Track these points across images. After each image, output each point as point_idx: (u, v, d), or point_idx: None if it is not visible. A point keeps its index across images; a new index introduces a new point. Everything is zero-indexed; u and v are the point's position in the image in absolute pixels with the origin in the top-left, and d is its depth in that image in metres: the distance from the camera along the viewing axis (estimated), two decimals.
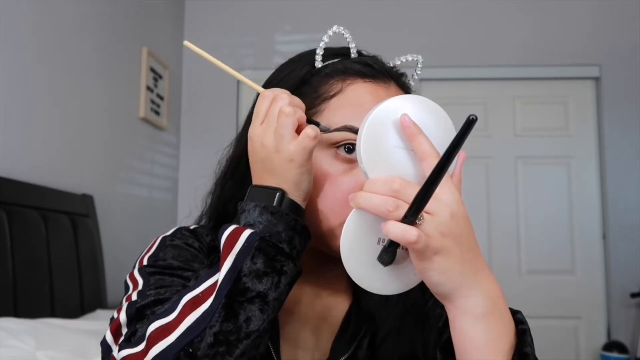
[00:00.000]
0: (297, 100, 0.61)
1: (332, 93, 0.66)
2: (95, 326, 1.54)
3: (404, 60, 0.71)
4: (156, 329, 0.54)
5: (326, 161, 0.64)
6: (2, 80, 1.66)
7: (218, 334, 0.53)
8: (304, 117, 0.61)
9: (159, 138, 2.91)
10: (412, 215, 0.51)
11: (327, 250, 0.66)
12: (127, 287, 0.65)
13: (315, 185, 0.64)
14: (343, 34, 0.69)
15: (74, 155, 2.08)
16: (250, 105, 0.73)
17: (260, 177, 0.61)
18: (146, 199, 2.77)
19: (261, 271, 0.55)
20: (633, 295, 2.86)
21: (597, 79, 3.13)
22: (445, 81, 3.14)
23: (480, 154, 3.12)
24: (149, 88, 2.70)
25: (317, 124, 0.63)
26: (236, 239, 0.56)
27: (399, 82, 0.70)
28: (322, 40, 0.69)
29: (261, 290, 0.55)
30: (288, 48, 3.16)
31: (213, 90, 3.19)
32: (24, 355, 1.20)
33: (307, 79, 0.68)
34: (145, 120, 2.67)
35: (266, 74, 0.73)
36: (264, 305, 0.55)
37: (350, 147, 0.64)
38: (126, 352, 0.55)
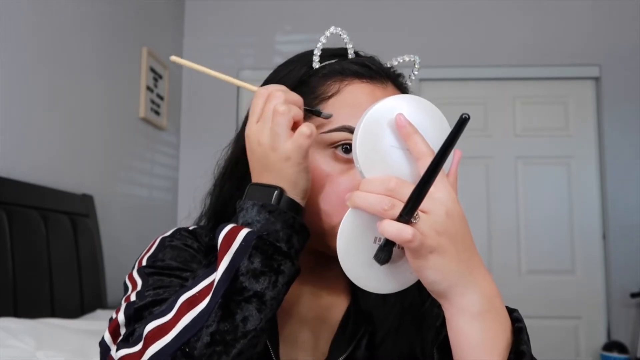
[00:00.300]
0: (293, 97, 0.61)
1: (329, 94, 0.67)
2: (95, 326, 1.54)
3: (402, 60, 0.71)
4: (153, 329, 0.54)
5: (324, 161, 0.65)
6: (2, 80, 1.66)
7: (215, 334, 0.53)
8: (300, 114, 0.61)
9: (159, 138, 2.91)
10: (407, 214, 0.51)
11: (325, 250, 0.66)
12: (126, 288, 0.65)
13: (313, 185, 0.64)
14: (340, 35, 0.69)
15: (74, 155, 2.08)
16: (249, 105, 0.73)
17: (258, 175, 0.61)
18: (146, 199, 2.77)
19: (258, 270, 0.55)
20: (633, 295, 2.86)
21: (597, 79, 3.13)
22: (445, 81, 3.14)
23: (480, 154, 3.12)
24: (149, 88, 2.70)
25: (318, 112, 0.64)
26: (233, 238, 0.56)
27: (396, 82, 0.71)
28: (319, 41, 0.69)
29: (258, 289, 0.55)
30: (288, 48, 3.16)
31: (213, 90, 3.19)
32: (24, 355, 1.20)
33: (304, 80, 0.68)
34: (145, 120, 2.67)
35: (266, 74, 0.73)
36: (261, 304, 0.55)
37: (348, 147, 0.64)
38: (124, 352, 0.56)
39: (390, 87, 0.69)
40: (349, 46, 0.70)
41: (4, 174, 1.64)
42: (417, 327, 0.72)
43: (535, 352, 0.58)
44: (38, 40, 1.86)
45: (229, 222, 0.59)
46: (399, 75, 0.72)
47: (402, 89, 0.71)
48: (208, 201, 0.75)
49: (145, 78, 2.65)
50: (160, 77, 2.86)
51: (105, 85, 2.33)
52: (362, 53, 0.72)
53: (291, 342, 0.71)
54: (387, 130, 0.57)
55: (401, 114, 0.57)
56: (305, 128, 0.59)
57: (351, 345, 0.70)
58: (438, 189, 0.53)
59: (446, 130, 0.58)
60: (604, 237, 3.05)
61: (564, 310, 3.04)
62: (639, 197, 2.99)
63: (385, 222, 0.52)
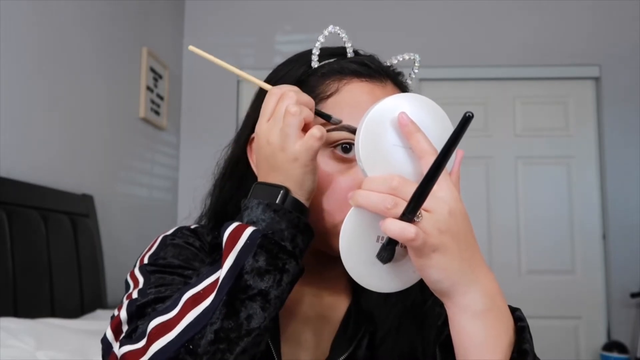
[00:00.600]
0: (305, 98, 0.62)
1: (328, 93, 0.66)
2: (95, 326, 1.54)
3: (401, 59, 0.71)
4: (157, 326, 0.54)
5: (323, 160, 0.65)
6: (2, 80, 1.66)
7: (219, 331, 0.53)
8: (311, 116, 0.61)
9: (159, 138, 2.91)
10: (410, 213, 0.51)
11: (326, 249, 0.66)
12: (127, 286, 0.65)
13: None
14: (339, 34, 0.69)
15: (74, 155, 2.08)
16: (249, 105, 0.73)
17: (265, 174, 0.61)
18: (146, 199, 2.77)
19: (263, 269, 0.55)
20: (633, 295, 2.86)
21: (597, 79, 3.13)
22: (445, 81, 3.14)
23: (480, 154, 3.12)
24: (149, 88, 2.70)
25: (328, 117, 0.63)
26: (238, 237, 0.56)
27: (395, 81, 0.70)
28: (318, 40, 0.69)
29: (263, 288, 0.55)
30: (288, 48, 3.16)
31: (213, 90, 3.19)
32: (24, 355, 1.20)
33: (303, 80, 0.68)
34: (145, 120, 2.67)
35: (266, 74, 0.73)
36: (265, 303, 0.55)
37: (347, 147, 0.64)
38: (127, 348, 0.55)
39: (389, 86, 0.69)
40: (348, 45, 0.70)
41: (4, 174, 1.64)
42: (419, 326, 0.72)
43: (534, 349, 0.58)
44: (38, 40, 1.86)
45: (233, 220, 0.59)
46: (399, 73, 0.72)
47: (402, 87, 0.71)
48: (208, 201, 0.75)
49: (145, 78, 2.65)
50: (160, 77, 2.86)
51: (105, 85, 2.33)
52: (361, 52, 0.72)
53: (293, 341, 0.71)
54: (390, 128, 0.57)
55: (404, 113, 0.57)
56: (317, 130, 0.59)
57: (352, 345, 0.70)
58: (441, 188, 0.53)
59: (448, 128, 0.58)
60: (604, 237, 3.05)
61: (564, 310, 3.04)
62: (639, 197, 2.99)
63: (388, 220, 0.52)
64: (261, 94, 0.71)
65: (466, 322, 0.55)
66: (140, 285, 0.62)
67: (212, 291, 0.54)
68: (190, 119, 3.22)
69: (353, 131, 0.62)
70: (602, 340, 2.97)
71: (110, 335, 0.61)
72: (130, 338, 0.57)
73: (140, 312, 0.59)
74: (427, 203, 0.52)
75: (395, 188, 0.53)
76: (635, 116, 3.03)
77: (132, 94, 2.59)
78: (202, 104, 3.21)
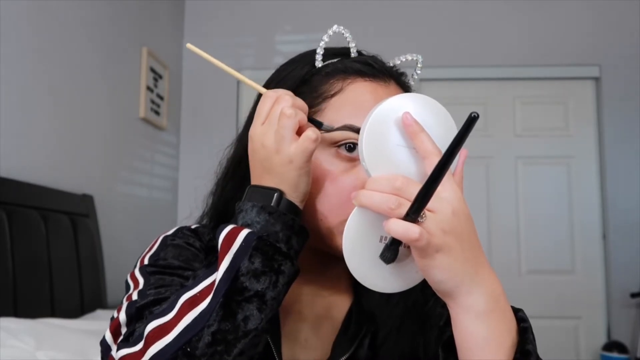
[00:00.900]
0: (299, 102, 0.62)
1: (332, 92, 0.66)
2: (95, 326, 1.54)
3: (404, 59, 0.71)
4: (154, 328, 0.54)
5: (327, 160, 0.65)
6: (2, 80, 1.66)
7: (216, 333, 0.53)
8: (305, 119, 0.61)
9: (159, 138, 2.91)
10: (414, 213, 0.51)
11: (328, 249, 0.66)
12: (127, 287, 0.65)
13: (315, 184, 0.64)
14: (343, 34, 0.69)
15: (74, 155, 2.08)
16: (252, 105, 0.73)
17: (259, 177, 0.61)
18: (146, 199, 2.77)
19: (259, 270, 0.55)
20: (633, 295, 2.86)
21: (597, 79, 3.13)
22: (445, 81, 3.14)
23: (480, 154, 3.12)
24: (149, 88, 2.70)
25: (320, 124, 0.63)
26: (234, 239, 0.56)
27: (398, 81, 0.71)
28: (322, 40, 0.69)
29: (259, 289, 0.55)
30: (288, 48, 3.16)
31: (213, 90, 3.19)
32: (24, 355, 1.20)
33: (307, 79, 0.68)
34: (145, 120, 2.67)
35: (266, 74, 0.73)
36: (262, 304, 0.55)
37: (351, 146, 0.64)
38: (124, 351, 0.55)
39: (392, 86, 0.69)
40: (352, 45, 0.70)
41: (4, 174, 1.64)
42: (420, 326, 0.71)
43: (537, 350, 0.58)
44: (38, 40, 1.86)
45: (229, 222, 0.59)
46: (402, 74, 0.72)
47: (405, 87, 0.71)
48: (210, 201, 0.75)
49: (145, 78, 2.65)
50: (160, 77, 2.86)
51: (105, 85, 2.33)
52: (364, 52, 0.72)
53: (293, 341, 0.71)
54: (394, 128, 0.57)
55: (408, 113, 0.57)
56: (312, 132, 0.59)
57: (353, 345, 0.70)
58: (445, 188, 0.53)
59: (452, 128, 0.58)
60: (604, 237, 3.05)
61: (564, 310, 3.03)
62: (639, 197, 2.99)
63: (391, 221, 0.52)
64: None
65: (469, 322, 0.54)
66: (140, 286, 0.62)
67: (209, 293, 0.54)
68: (190, 119, 3.22)
69: (357, 130, 0.62)
70: (602, 340, 2.97)
71: (109, 338, 0.61)
72: (127, 341, 0.57)
73: (139, 314, 0.59)
74: (431, 203, 0.52)
75: (399, 188, 0.53)
76: (635, 116, 3.03)
77: (132, 94, 2.58)
78: (202, 104, 3.21)
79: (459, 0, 3.17)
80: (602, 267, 3.04)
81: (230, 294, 0.54)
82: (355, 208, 0.57)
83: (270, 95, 0.62)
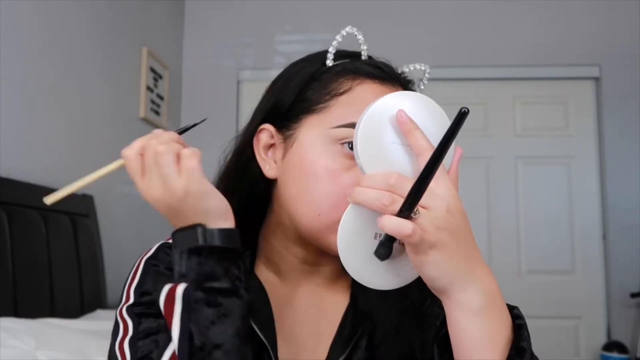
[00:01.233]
0: (165, 136, 0.60)
1: (341, 90, 0.67)
2: (95, 326, 1.54)
3: (412, 68, 0.72)
4: None
5: (330, 157, 0.65)
6: (3, 81, 1.66)
7: None
8: (181, 145, 0.60)
9: None
10: (407, 209, 0.52)
11: (324, 247, 0.66)
12: (116, 325, 0.64)
13: (317, 180, 0.64)
14: (356, 35, 0.70)
15: (74, 155, 2.08)
16: (260, 99, 0.74)
17: (175, 223, 0.60)
18: None
19: (208, 322, 0.55)
20: (633, 295, 2.86)
21: (597, 79, 3.13)
22: (445, 81, 3.14)
23: (480, 154, 3.12)
24: (149, 88, 2.70)
25: (194, 124, 0.64)
26: (173, 300, 0.56)
27: (406, 88, 0.72)
28: (335, 40, 0.70)
29: (216, 342, 0.55)
30: (288, 48, 3.16)
31: (213, 90, 3.19)
32: (24, 355, 1.20)
33: (317, 77, 0.69)
34: (145, 120, 2.67)
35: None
36: (225, 352, 0.55)
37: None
38: None
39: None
40: (364, 47, 0.71)
41: (4, 174, 1.64)
42: (417, 326, 0.71)
43: (535, 352, 0.58)
44: (38, 40, 1.86)
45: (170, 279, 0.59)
46: (409, 81, 0.73)
47: None
48: None
49: (145, 78, 2.65)
50: (160, 77, 2.86)
51: (105, 85, 2.33)
52: (374, 57, 0.73)
53: (290, 341, 0.71)
54: (388, 126, 0.57)
55: (402, 110, 0.57)
56: (187, 151, 0.58)
57: (350, 346, 0.70)
58: (439, 185, 0.53)
59: (447, 126, 0.59)
60: (604, 237, 3.05)
61: (564, 310, 3.03)
62: (639, 197, 2.99)
63: (385, 217, 0.52)
64: (273, 86, 0.73)
65: (464, 319, 0.55)
66: (130, 332, 0.62)
67: None
68: (190, 119, 3.21)
69: None
70: (602, 340, 2.97)
71: None
72: None
73: None
74: (425, 200, 0.52)
75: (392, 185, 0.53)
76: (635, 116, 3.03)
77: (132, 94, 2.58)
78: (202, 104, 3.21)
79: (459, 0, 3.17)
80: (602, 267, 3.04)
81: (193, 356, 0.54)
82: (350, 205, 0.57)
83: (127, 154, 0.60)
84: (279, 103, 0.70)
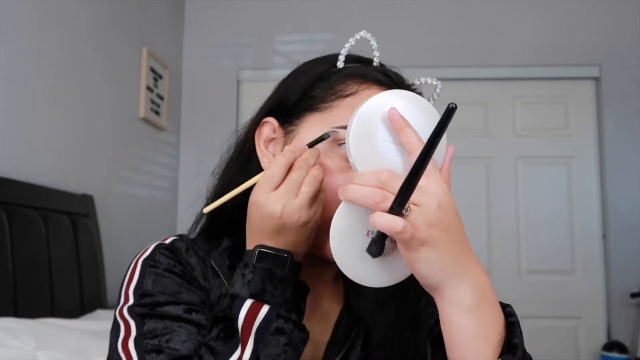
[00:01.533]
0: (315, 155, 0.63)
1: (347, 92, 0.67)
2: (95, 326, 1.54)
3: (423, 81, 0.72)
4: None
5: (331, 157, 0.65)
6: (3, 81, 1.66)
7: None
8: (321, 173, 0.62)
9: (159, 138, 2.91)
10: (398, 206, 0.52)
11: (317, 250, 0.66)
12: (117, 326, 0.63)
13: None
14: (369, 41, 0.71)
15: (74, 155, 2.08)
16: (260, 98, 0.74)
17: (266, 237, 0.60)
18: (146, 199, 2.77)
19: (280, 349, 0.57)
20: (633, 295, 2.86)
21: (597, 79, 3.13)
22: (445, 81, 3.12)
23: (480, 154, 3.12)
24: (149, 88, 2.70)
25: (322, 138, 0.64)
26: (255, 316, 0.57)
27: None
28: (348, 42, 0.70)
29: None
30: (288, 48, 3.16)
31: (213, 90, 3.19)
32: (24, 355, 1.20)
33: (325, 77, 0.69)
34: (145, 120, 2.67)
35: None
36: None
37: None
38: None
39: None
40: (376, 54, 0.71)
41: (4, 174, 1.64)
42: (412, 327, 0.72)
43: (535, 352, 0.58)
44: (38, 40, 1.86)
45: (241, 295, 0.59)
46: (419, 94, 0.72)
47: None
48: (211, 185, 0.74)
49: (145, 78, 2.65)
50: (160, 77, 2.86)
51: (105, 85, 2.33)
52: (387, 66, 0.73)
53: None
54: (380, 124, 0.58)
55: (394, 108, 0.57)
56: (323, 194, 0.62)
57: (343, 349, 0.70)
58: (430, 182, 0.54)
59: None
60: (604, 237, 3.05)
61: (564, 310, 3.03)
62: (639, 197, 2.99)
63: (376, 214, 0.53)
64: (283, 82, 0.73)
65: (456, 316, 0.55)
66: (134, 332, 0.61)
67: None
68: (190, 119, 3.22)
69: None
70: (602, 340, 2.97)
71: None
72: None
73: None
74: (417, 197, 0.53)
75: (384, 182, 0.54)
76: (635, 116, 3.03)
77: (132, 94, 2.59)
78: (202, 104, 3.21)
79: (459, 0, 3.17)
80: (602, 267, 3.04)
81: None
82: (342, 203, 0.57)
83: (280, 161, 0.61)
84: (285, 98, 0.70)
